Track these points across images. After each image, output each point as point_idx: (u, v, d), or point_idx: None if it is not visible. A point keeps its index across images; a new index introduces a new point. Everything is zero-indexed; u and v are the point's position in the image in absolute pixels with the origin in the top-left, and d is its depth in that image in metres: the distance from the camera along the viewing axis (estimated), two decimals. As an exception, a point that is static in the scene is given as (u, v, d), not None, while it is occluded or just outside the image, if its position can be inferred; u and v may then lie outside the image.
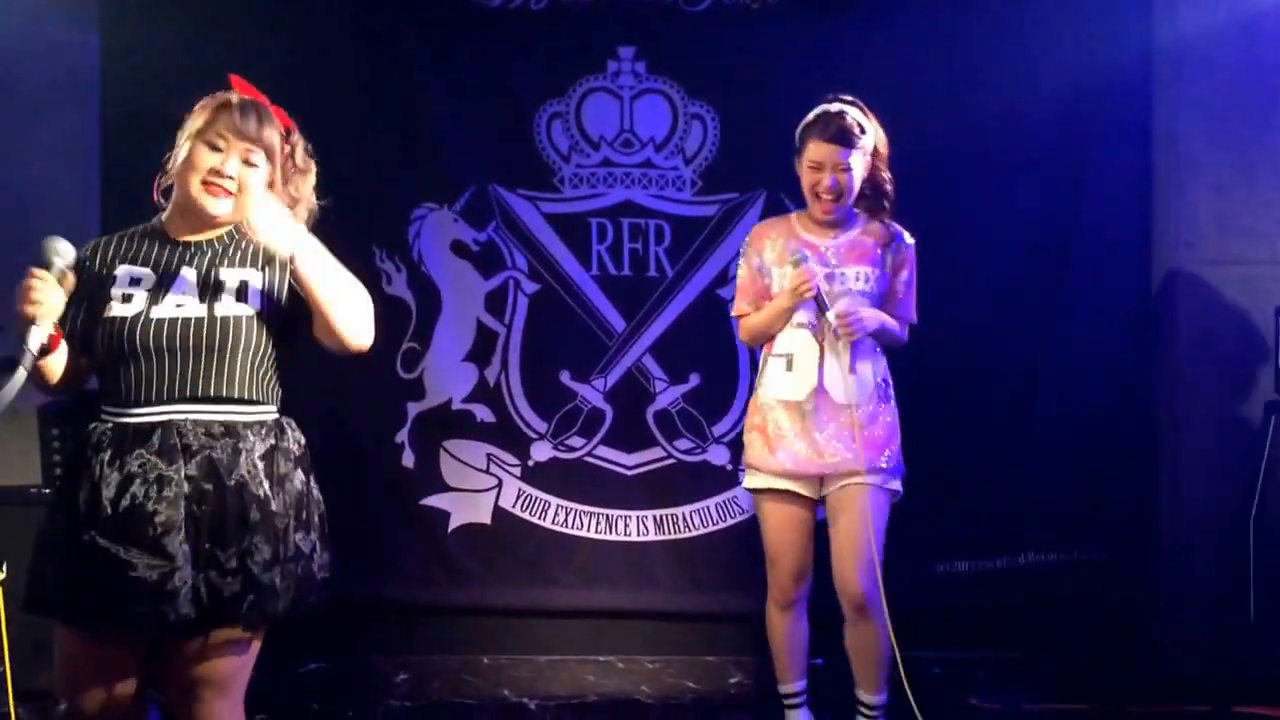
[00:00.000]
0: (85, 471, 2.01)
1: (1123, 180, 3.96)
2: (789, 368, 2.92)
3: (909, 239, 3.00)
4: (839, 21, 3.90)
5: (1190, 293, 3.86)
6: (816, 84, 3.05)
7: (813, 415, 2.88)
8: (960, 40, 3.88)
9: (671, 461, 3.98)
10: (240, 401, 2.07)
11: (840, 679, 3.05)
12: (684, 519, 3.98)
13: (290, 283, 2.12)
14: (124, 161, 3.68)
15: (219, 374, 2.05)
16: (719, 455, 3.96)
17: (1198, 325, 3.83)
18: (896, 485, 2.96)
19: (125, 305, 2.06)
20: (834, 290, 2.88)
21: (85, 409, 2.15)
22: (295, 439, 2.14)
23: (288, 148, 2.15)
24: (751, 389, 3.08)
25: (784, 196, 3.75)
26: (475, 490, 3.96)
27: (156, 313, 2.05)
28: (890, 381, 2.99)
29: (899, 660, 2.84)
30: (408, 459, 3.93)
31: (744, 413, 3.12)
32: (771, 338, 2.97)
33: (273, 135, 2.12)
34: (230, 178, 2.08)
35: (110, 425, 2.05)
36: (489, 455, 3.97)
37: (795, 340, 2.92)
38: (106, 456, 2.01)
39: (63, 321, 2.04)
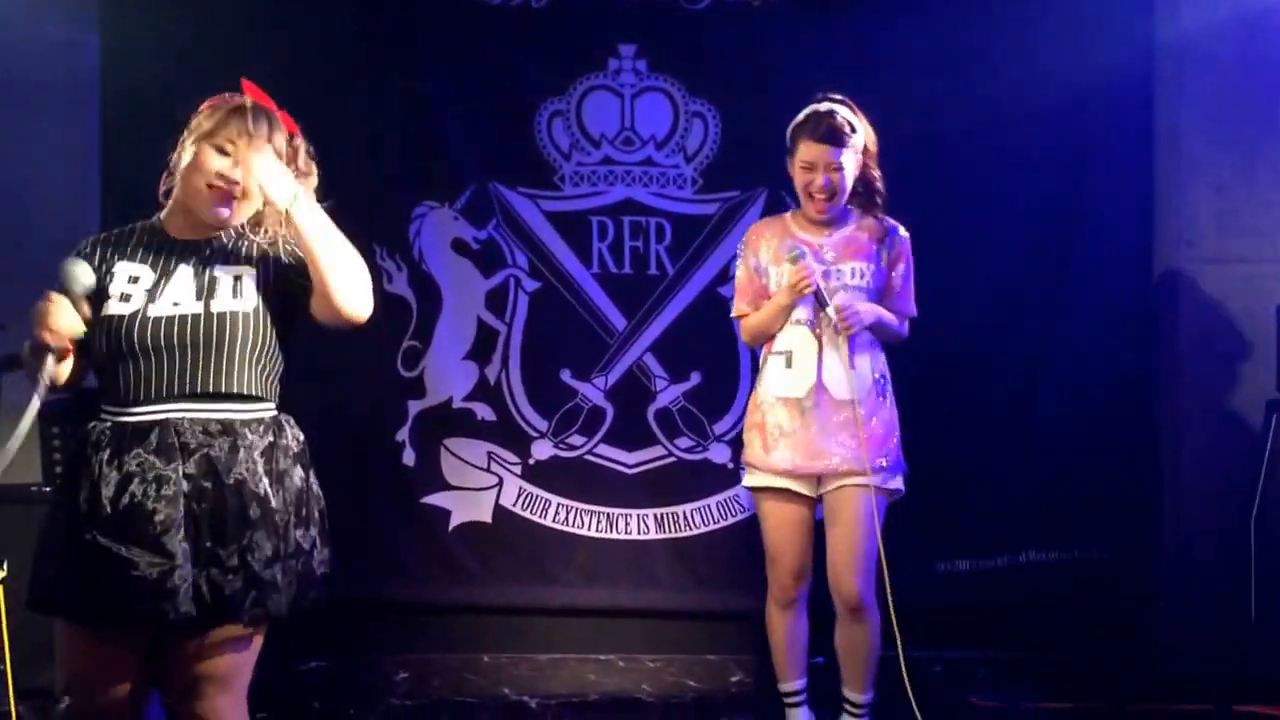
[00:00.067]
0: (85, 470, 2.02)
1: (1123, 178, 3.95)
2: (788, 365, 2.92)
3: (903, 232, 3.00)
4: (840, 19, 3.90)
5: (1191, 291, 3.85)
6: (817, 82, 3.06)
7: (813, 412, 2.88)
8: (961, 38, 3.88)
9: (672, 460, 3.98)
10: (239, 398, 2.08)
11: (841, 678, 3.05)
12: (685, 517, 3.98)
13: (287, 266, 2.13)
14: (124, 161, 3.69)
15: (217, 370, 2.06)
16: (720, 454, 3.96)
17: (1198, 324, 3.82)
18: (897, 484, 2.96)
19: (123, 304, 2.06)
20: (831, 286, 2.88)
21: (85, 408, 2.15)
22: (294, 436, 2.15)
23: (291, 152, 2.15)
24: (752, 387, 3.09)
25: (785, 195, 3.74)
26: (476, 489, 3.96)
27: (154, 311, 2.06)
28: (888, 377, 2.99)
29: (900, 659, 2.84)
30: (408, 457, 3.94)
31: (745, 411, 3.12)
32: (772, 337, 2.97)
33: (280, 141, 2.13)
34: (236, 183, 2.09)
35: (109, 424, 2.05)
36: (490, 454, 3.97)
37: (794, 337, 2.93)
38: (105, 456, 2.01)
39: (84, 346, 2.04)
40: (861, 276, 2.93)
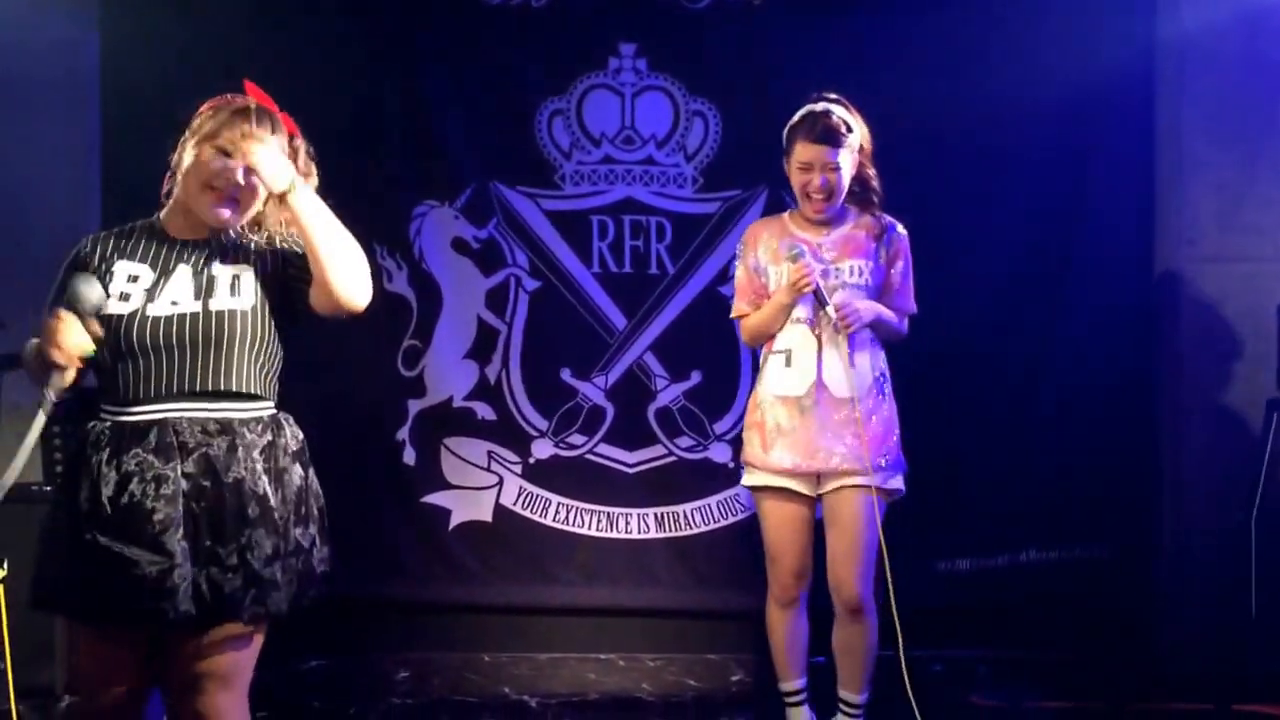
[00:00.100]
0: (85, 470, 2.03)
1: (1124, 177, 3.95)
2: (788, 363, 2.92)
3: (901, 230, 3.00)
4: (840, 18, 3.89)
5: (1192, 290, 3.85)
6: (818, 81, 3.05)
7: (812, 411, 2.88)
8: (962, 37, 3.87)
9: (673, 459, 3.98)
10: (237, 396, 2.08)
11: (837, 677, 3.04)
12: (685, 516, 3.98)
13: (285, 262, 2.14)
14: (124, 160, 3.69)
15: (215, 369, 2.06)
16: (720, 453, 3.96)
17: (1199, 323, 3.82)
18: (896, 483, 2.96)
19: (122, 304, 2.07)
20: (830, 285, 2.88)
21: (86, 407, 2.16)
22: (293, 434, 2.15)
23: (292, 153, 2.15)
24: (753, 386, 3.08)
25: (785, 194, 3.71)
26: (476, 488, 3.96)
27: (153, 310, 2.06)
28: (888, 375, 2.99)
29: (901, 659, 2.84)
30: (409, 456, 3.94)
31: (745, 410, 3.12)
32: (772, 336, 2.97)
33: (282, 143, 2.13)
34: (239, 184, 2.09)
35: (109, 424, 2.06)
36: (490, 453, 3.97)
37: (794, 336, 2.93)
38: (105, 455, 2.02)
39: (94, 363, 2.04)
40: (860, 274, 2.93)
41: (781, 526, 2.96)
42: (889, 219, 3.00)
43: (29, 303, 2.29)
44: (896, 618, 2.82)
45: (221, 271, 2.11)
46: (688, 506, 3.97)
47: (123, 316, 2.05)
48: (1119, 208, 3.94)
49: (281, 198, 2.06)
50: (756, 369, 3.12)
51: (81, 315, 1.98)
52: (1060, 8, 3.89)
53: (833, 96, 2.93)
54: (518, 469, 3.97)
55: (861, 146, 2.93)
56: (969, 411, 3.87)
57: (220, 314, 2.07)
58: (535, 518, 3.97)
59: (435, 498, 3.95)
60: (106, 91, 3.82)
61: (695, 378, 3.97)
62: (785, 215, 3.06)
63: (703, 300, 3.96)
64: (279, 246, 2.16)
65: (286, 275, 2.14)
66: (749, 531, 3.50)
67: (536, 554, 3.97)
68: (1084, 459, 3.90)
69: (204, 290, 2.09)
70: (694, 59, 3.95)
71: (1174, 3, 3.86)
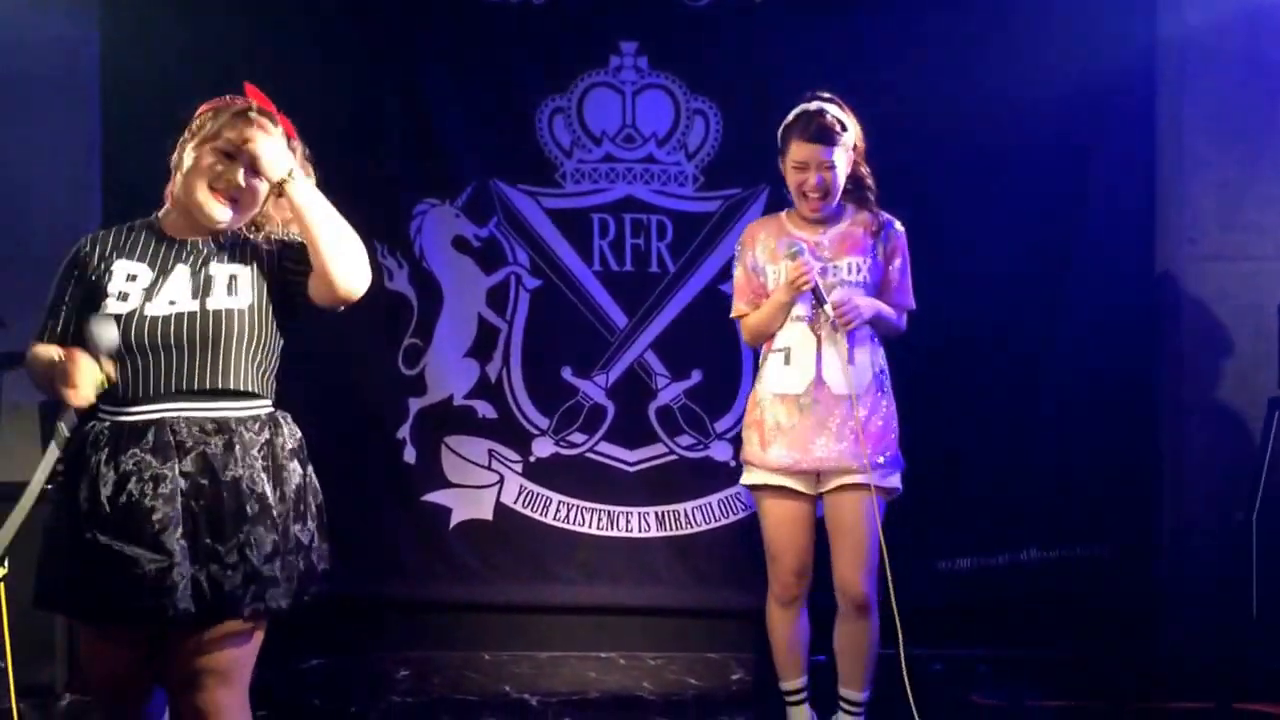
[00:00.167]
0: (84, 470, 2.03)
1: (1126, 175, 3.95)
2: (787, 361, 2.92)
3: (899, 226, 3.00)
4: (841, 16, 3.89)
5: (1193, 289, 3.85)
6: (818, 79, 3.04)
7: (811, 408, 2.88)
8: (962, 35, 3.86)
9: (673, 458, 3.98)
10: (235, 395, 2.09)
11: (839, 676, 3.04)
12: (686, 515, 3.98)
13: (283, 257, 2.14)
14: (124, 158, 3.69)
15: (213, 367, 2.07)
16: (721, 451, 3.96)
17: (1201, 321, 3.82)
18: (895, 481, 2.95)
19: (121, 303, 2.07)
20: (829, 283, 2.88)
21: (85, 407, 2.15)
22: (290, 432, 2.16)
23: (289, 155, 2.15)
24: (753, 385, 3.08)
25: (786, 192, 3.72)
26: (477, 486, 3.96)
27: (151, 310, 2.07)
28: (888, 372, 2.99)
29: (901, 657, 2.84)
30: (409, 455, 3.93)
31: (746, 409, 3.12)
32: (773, 335, 2.96)
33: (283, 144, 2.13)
34: (240, 186, 2.09)
35: (107, 424, 2.06)
36: (490, 451, 3.97)
37: (793, 334, 2.93)
38: (103, 455, 2.03)
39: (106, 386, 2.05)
40: (858, 271, 2.93)
41: (781, 525, 2.96)
42: (886, 216, 2.99)
43: (29, 302, 2.29)
44: (897, 616, 2.82)
45: (219, 271, 2.11)
46: (688, 505, 3.97)
47: (121, 316, 2.05)
48: (1119, 206, 3.94)
49: (280, 190, 2.07)
50: (757, 367, 3.12)
51: (95, 355, 1.99)
52: (1061, 7, 3.88)
53: (826, 95, 2.93)
54: (518, 467, 3.97)
55: (856, 145, 2.93)
56: (969, 410, 3.86)
57: (218, 313, 2.08)
58: (536, 516, 3.97)
59: (436, 496, 3.95)
60: (106, 91, 3.82)
61: (696, 376, 3.97)
62: (782, 214, 3.06)
63: (703, 299, 3.95)
64: (276, 240, 2.16)
65: (284, 268, 2.15)
66: (749, 530, 3.50)
67: (537, 552, 3.97)
68: (1084, 458, 3.90)
69: (201, 290, 2.09)
70: (695, 57, 3.94)
71: (1175, 1, 3.86)
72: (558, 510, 3.97)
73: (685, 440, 3.97)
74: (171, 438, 2.03)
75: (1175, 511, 3.85)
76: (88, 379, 1.97)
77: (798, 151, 2.88)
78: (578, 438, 3.97)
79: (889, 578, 2.80)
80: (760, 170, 3.82)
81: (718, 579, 3.93)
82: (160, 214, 2.19)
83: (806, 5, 3.90)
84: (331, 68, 3.79)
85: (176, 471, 2.01)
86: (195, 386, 2.06)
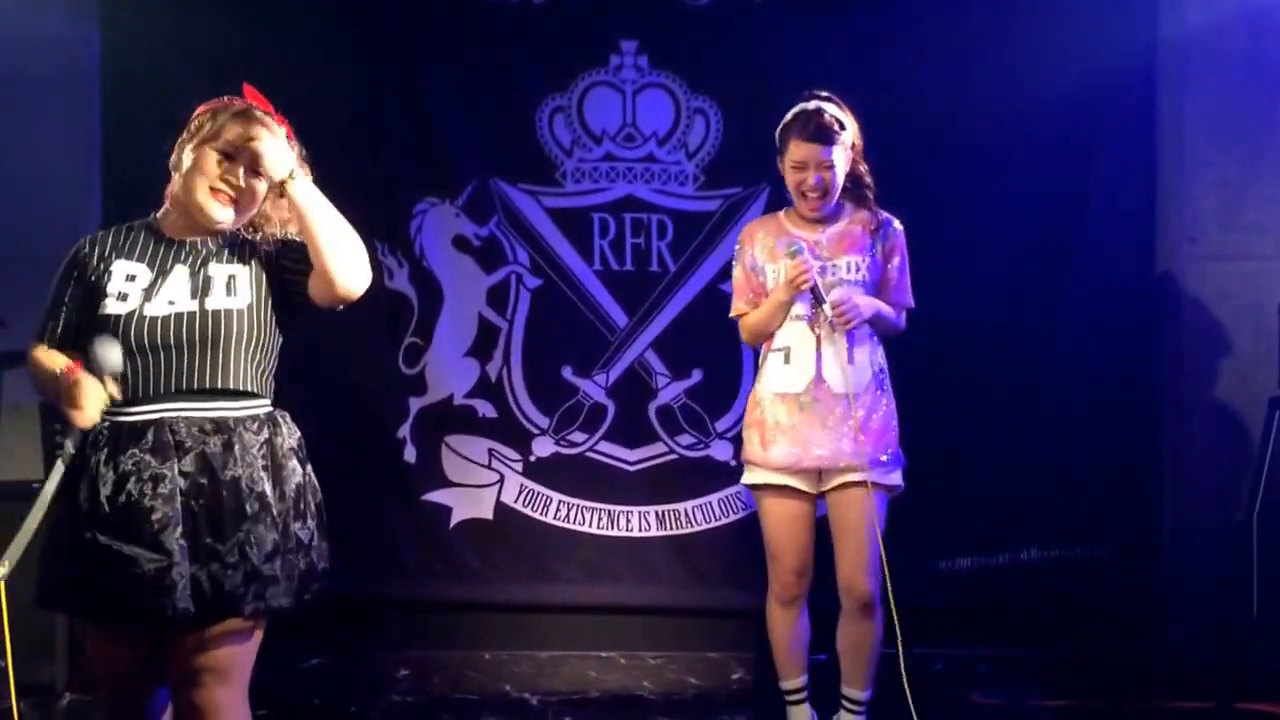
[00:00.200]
0: (84, 470, 2.04)
1: (1126, 174, 3.95)
2: (786, 360, 2.92)
3: (898, 225, 2.99)
4: (841, 16, 3.89)
5: (1193, 289, 3.85)
6: (818, 79, 3.04)
7: (811, 407, 2.88)
8: (963, 34, 3.87)
9: (674, 457, 3.98)
10: (234, 395, 2.09)
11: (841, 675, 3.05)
12: (686, 514, 3.98)
13: (282, 256, 2.15)
14: (125, 157, 3.69)
15: (212, 367, 2.07)
16: (722, 451, 3.96)
17: (1201, 321, 3.82)
18: (896, 479, 2.95)
19: (120, 303, 2.08)
20: (828, 282, 2.88)
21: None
22: (290, 431, 2.16)
23: None
24: (754, 384, 3.08)
25: (786, 191, 3.73)
26: (477, 485, 3.96)
27: (150, 310, 2.07)
28: (887, 370, 2.98)
29: (900, 657, 2.84)
30: (409, 454, 3.93)
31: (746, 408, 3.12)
32: (772, 334, 2.96)
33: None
34: (240, 186, 2.09)
35: (106, 424, 2.06)
36: (491, 450, 3.97)
37: (793, 333, 2.93)
38: (103, 456, 2.03)
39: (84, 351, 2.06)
40: (857, 270, 2.93)
41: (782, 524, 2.96)
42: (885, 214, 2.99)
43: (29, 302, 2.29)
44: (896, 616, 2.82)
45: (218, 271, 2.12)
46: (689, 504, 3.97)
47: (120, 316, 2.06)
48: (1120, 206, 3.94)
49: (281, 189, 2.08)
50: (757, 367, 3.12)
51: (100, 377, 2.00)
52: (1061, 7, 3.87)
53: (824, 94, 2.92)
54: (519, 467, 3.97)
55: (854, 143, 2.93)
56: (970, 410, 3.86)
57: (216, 313, 2.08)
58: (536, 515, 3.97)
59: (436, 495, 3.95)
60: (107, 90, 3.82)
61: (696, 375, 3.97)
62: (781, 214, 3.06)
63: (704, 298, 3.95)
64: (275, 240, 2.17)
65: (283, 268, 2.15)
66: (750, 529, 3.50)
67: (537, 552, 3.97)
68: (1084, 458, 3.90)
69: (200, 290, 2.09)
70: (695, 56, 3.94)
71: (1175, 1, 3.86)
72: (558, 509, 3.97)
73: (685, 439, 3.97)
74: (171, 437, 2.03)
75: (1175, 511, 3.85)
76: (93, 401, 1.98)
77: (796, 151, 2.88)
78: (578, 437, 3.97)
79: (888, 577, 2.81)
80: (760, 170, 3.82)
81: (718, 578, 3.93)
82: (159, 214, 2.19)
83: (806, 5, 3.90)
84: (331, 68, 3.79)
85: (176, 471, 2.02)
86: (194, 386, 2.06)
